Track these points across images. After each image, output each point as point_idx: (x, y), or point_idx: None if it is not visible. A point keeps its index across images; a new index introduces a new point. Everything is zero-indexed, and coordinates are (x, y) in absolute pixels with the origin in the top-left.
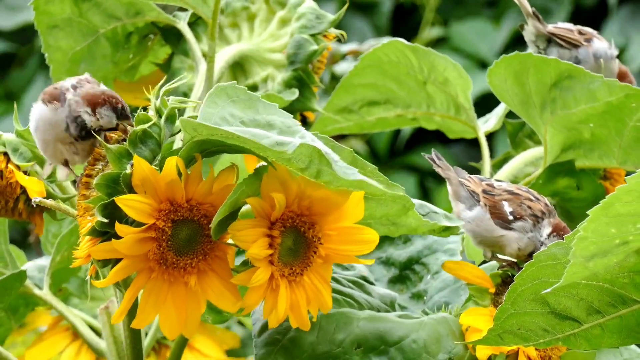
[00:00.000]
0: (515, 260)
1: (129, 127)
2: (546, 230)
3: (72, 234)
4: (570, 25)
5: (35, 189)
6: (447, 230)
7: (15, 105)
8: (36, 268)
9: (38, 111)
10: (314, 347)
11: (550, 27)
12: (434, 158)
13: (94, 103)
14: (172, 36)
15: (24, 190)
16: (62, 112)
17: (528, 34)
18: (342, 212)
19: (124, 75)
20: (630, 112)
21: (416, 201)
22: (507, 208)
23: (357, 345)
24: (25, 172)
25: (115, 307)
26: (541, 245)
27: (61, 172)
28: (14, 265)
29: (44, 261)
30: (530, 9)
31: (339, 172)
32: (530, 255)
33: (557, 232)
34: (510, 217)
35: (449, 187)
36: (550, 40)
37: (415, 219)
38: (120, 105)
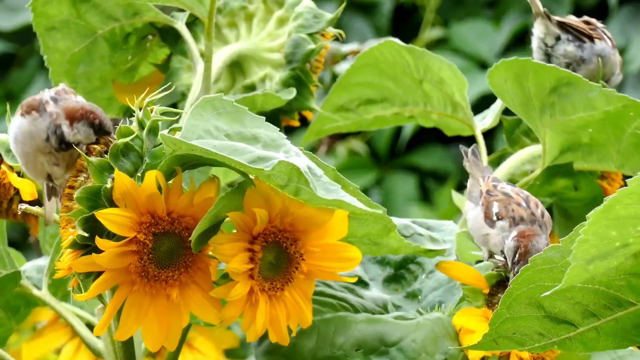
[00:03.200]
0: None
1: (111, 139)
2: (508, 242)
3: None
4: (574, 18)
5: (28, 191)
6: (431, 252)
7: (8, 107)
8: (35, 268)
9: (17, 124)
10: (314, 353)
11: (558, 18)
12: (468, 152)
13: (72, 117)
14: (170, 36)
15: (17, 192)
16: (42, 123)
17: (537, 31)
18: (325, 229)
19: (122, 76)
20: (629, 120)
21: (402, 221)
22: (495, 208)
23: (357, 348)
24: (18, 173)
25: None
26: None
27: (49, 207)
28: (12, 266)
29: (43, 262)
30: (541, 8)
31: (320, 189)
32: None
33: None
34: (495, 218)
35: (469, 183)
36: (558, 37)
37: (396, 240)
38: (97, 121)
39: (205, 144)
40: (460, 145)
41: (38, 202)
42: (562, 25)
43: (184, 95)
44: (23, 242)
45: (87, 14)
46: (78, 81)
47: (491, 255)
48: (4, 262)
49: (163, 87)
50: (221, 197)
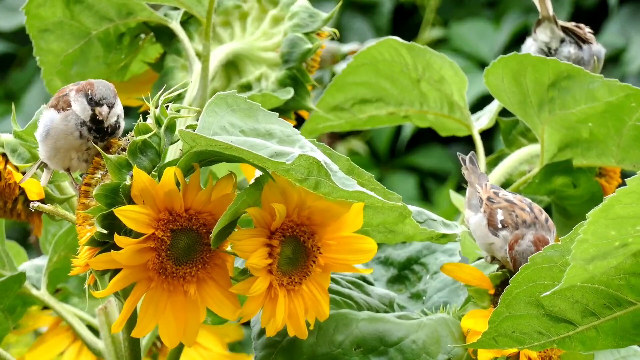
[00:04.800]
0: None
1: (129, 137)
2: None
3: (69, 234)
4: (567, 23)
5: (34, 190)
6: (444, 238)
7: (13, 106)
8: (33, 268)
9: (50, 118)
10: (313, 349)
11: (562, 22)
12: (465, 160)
13: (77, 90)
14: (164, 35)
15: (22, 191)
16: (72, 120)
17: (542, 35)
18: (341, 221)
19: (115, 75)
20: (630, 111)
21: (414, 208)
22: (499, 216)
23: (356, 346)
24: (23, 173)
25: (113, 307)
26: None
27: (44, 177)
28: (11, 265)
29: (41, 261)
30: (551, 12)
31: (337, 183)
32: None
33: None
34: (499, 226)
35: (468, 191)
36: (562, 40)
37: (412, 226)
38: (90, 91)
39: (224, 140)
40: (458, 153)
41: (44, 201)
42: (564, 29)
43: (180, 95)
44: (23, 241)
45: (81, 15)
46: (72, 80)
47: (493, 259)
48: (2, 262)
49: (179, 85)
50: (240, 193)
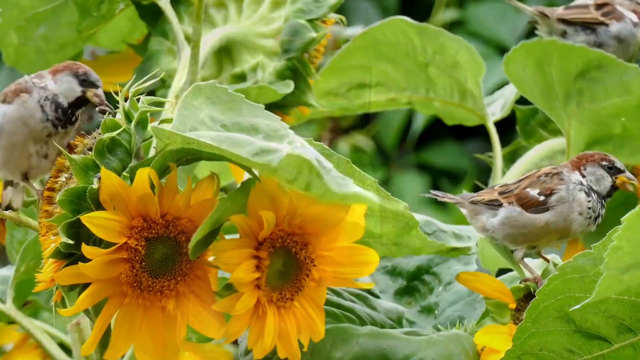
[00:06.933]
0: (539, 274)
1: (96, 135)
2: (574, 174)
3: (38, 243)
4: (584, 0)
5: None
6: (455, 251)
7: None
8: None
9: (1, 112)
10: None
11: (559, 12)
12: (438, 195)
13: (55, 71)
14: (149, 14)
15: None
16: (33, 100)
17: (542, 32)
18: (338, 230)
19: (82, 42)
20: None
21: (422, 217)
22: (533, 192)
23: None
24: None
25: (87, 323)
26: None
27: (7, 194)
28: None
29: (8, 272)
30: (530, 10)
31: (331, 183)
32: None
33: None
34: (542, 198)
35: (463, 211)
36: (565, 32)
37: (419, 238)
38: (81, 70)
39: (203, 137)
40: (422, 194)
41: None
42: (563, 20)
43: (164, 83)
44: None
45: None
46: (33, 40)
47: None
48: None
49: (150, 75)
50: (223, 198)
